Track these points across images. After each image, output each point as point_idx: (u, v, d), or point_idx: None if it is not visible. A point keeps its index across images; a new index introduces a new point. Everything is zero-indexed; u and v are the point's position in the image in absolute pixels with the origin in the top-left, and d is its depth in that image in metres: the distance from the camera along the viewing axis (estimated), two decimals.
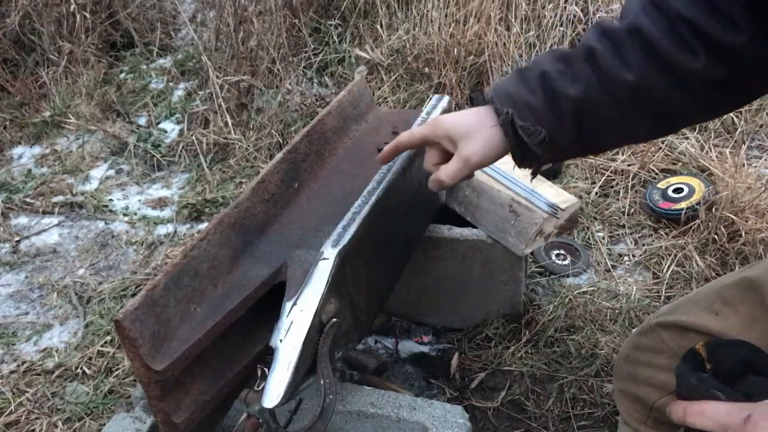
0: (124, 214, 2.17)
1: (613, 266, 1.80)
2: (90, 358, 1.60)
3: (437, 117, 0.92)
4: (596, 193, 2.04)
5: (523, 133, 0.81)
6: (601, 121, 0.81)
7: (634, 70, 0.77)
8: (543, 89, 0.81)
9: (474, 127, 0.85)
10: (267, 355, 0.91)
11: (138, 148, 2.46)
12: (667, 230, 1.89)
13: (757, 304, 0.83)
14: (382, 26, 2.67)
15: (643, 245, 1.86)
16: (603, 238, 1.88)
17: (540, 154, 0.83)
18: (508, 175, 1.46)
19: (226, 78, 2.49)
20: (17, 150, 2.57)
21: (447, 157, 0.90)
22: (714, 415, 0.62)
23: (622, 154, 2.16)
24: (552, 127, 0.81)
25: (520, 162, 0.86)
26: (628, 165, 2.11)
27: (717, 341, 0.73)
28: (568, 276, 1.75)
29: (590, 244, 1.87)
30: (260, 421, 0.90)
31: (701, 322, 0.87)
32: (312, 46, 2.70)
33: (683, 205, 1.87)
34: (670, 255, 1.78)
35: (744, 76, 0.76)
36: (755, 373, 0.67)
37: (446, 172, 0.87)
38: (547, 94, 0.80)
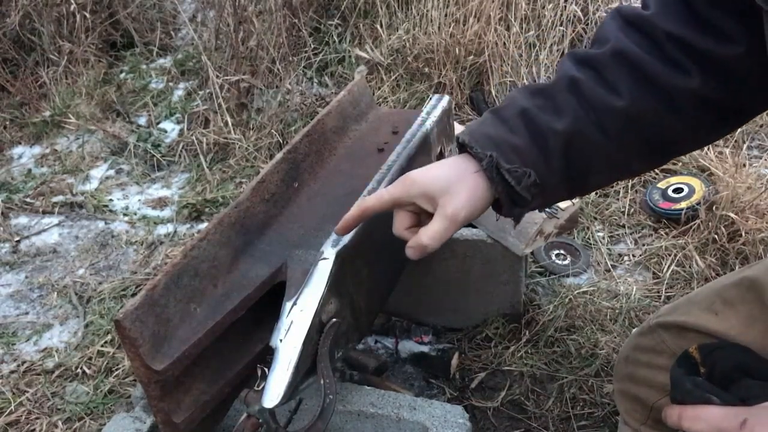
0: (124, 214, 2.17)
1: (613, 266, 1.80)
2: (90, 358, 1.60)
3: (408, 174, 0.79)
4: (596, 193, 2.04)
5: (511, 176, 0.73)
6: (591, 155, 0.75)
7: (623, 96, 0.72)
8: (525, 127, 0.74)
9: (454, 178, 0.75)
10: (267, 355, 0.91)
11: (138, 148, 2.46)
12: (667, 230, 1.89)
13: (757, 304, 0.83)
14: (382, 26, 2.67)
15: (643, 245, 1.86)
16: (603, 238, 1.88)
17: (529, 199, 0.76)
18: None
19: (226, 78, 2.49)
20: (17, 150, 2.57)
21: (419, 218, 0.80)
22: (709, 419, 0.62)
23: None
24: (540, 168, 0.74)
25: (508, 210, 0.78)
26: None
27: (710, 344, 0.73)
28: (568, 276, 1.75)
29: (590, 244, 1.87)
30: (260, 421, 0.90)
31: (701, 322, 0.87)
32: (312, 46, 2.70)
33: (683, 205, 1.87)
34: (670, 255, 1.78)
35: (740, 92, 0.72)
36: (749, 376, 0.67)
37: (430, 235, 0.75)
38: (530, 132, 0.74)
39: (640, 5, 0.76)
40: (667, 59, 0.71)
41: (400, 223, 0.81)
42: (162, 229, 2.09)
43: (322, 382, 0.90)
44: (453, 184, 0.75)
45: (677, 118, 0.74)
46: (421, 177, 0.77)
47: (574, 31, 2.53)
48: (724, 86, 0.71)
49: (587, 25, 2.54)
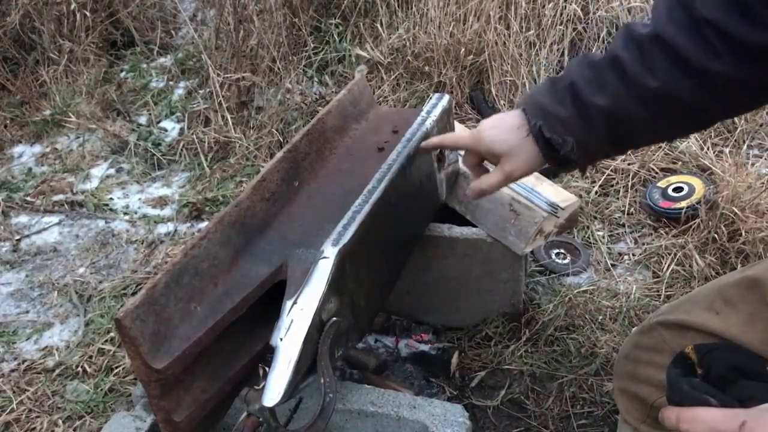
0: (125, 213, 2.17)
1: (613, 265, 1.80)
2: (90, 357, 1.61)
3: (480, 131, 0.96)
4: (596, 192, 2.04)
5: (553, 142, 0.87)
6: (632, 126, 0.85)
7: (658, 77, 0.79)
8: (572, 100, 0.85)
9: (514, 144, 0.91)
10: (267, 354, 0.91)
11: (138, 146, 2.46)
12: (667, 229, 1.89)
13: (758, 303, 0.83)
14: (382, 25, 2.67)
15: (643, 244, 1.86)
16: (603, 237, 1.88)
17: (573, 159, 0.89)
18: None
19: (226, 76, 2.49)
20: (18, 149, 2.57)
21: (483, 158, 1.01)
22: (708, 421, 0.61)
23: None
24: (582, 135, 0.86)
25: (558, 166, 0.92)
26: (628, 164, 2.11)
27: (707, 345, 0.73)
28: (568, 275, 1.75)
29: (590, 243, 1.87)
30: (260, 419, 0.90)
31: (702, 321, 0.87)
32: (312, 45, 2.70)
33: (683, 204, 1.87)
34: (670, 254, 1.78)
35: None
36: (746, 377, 0.67)
37: (489, 184, 0.97)
38: (576, 105, 0.85)
39: None
40: (702, 42, 0.76)
41: (468, 160, 1.03)
42: (162, 228, 2.09)
43: (322, 380, 0.90)
44: (513, 148, 0.92)
45: (711, 96, 0.80)
46: (488, 138, 0.95)
47: (573, 30, 2.53)
48: (756, 69, 0.76)
49: (587, 24, 2.54)
